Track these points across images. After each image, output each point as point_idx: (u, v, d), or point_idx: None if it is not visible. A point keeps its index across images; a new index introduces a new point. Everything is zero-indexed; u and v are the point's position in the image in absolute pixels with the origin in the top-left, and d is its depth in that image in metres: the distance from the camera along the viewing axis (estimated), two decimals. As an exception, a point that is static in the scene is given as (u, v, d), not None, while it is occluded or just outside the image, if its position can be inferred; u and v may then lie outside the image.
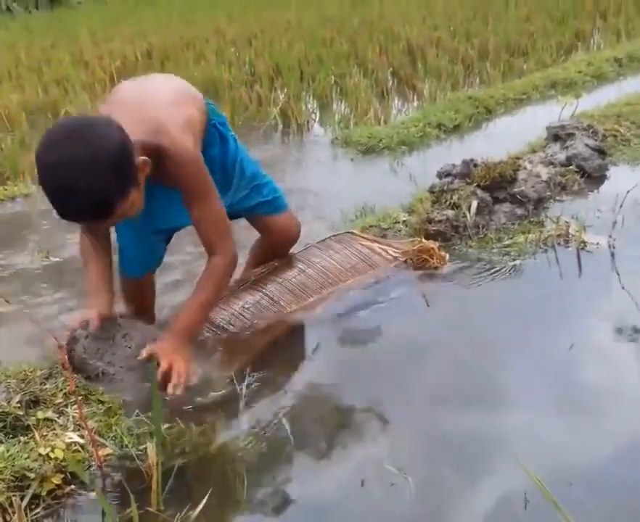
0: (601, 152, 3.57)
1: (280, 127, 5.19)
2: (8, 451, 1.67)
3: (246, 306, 2.36)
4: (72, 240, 3.37)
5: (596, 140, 3.64)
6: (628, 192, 2.86)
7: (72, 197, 1.70)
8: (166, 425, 1.81)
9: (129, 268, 2.39)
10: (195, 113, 2.09)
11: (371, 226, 3.03)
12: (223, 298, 2.31)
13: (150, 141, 1.89)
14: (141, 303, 2.44)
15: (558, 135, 3.72)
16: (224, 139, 2.30)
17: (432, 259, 2.64)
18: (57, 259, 3.19)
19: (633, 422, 1.85)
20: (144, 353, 1.97)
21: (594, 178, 3.45)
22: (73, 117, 1.69)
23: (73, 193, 1.69)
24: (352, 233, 2.81)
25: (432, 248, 2.66)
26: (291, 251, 2.64)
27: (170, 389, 1.92)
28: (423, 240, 2.71)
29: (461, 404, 1.94)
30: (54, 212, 1.76)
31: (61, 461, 1.67)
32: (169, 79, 2.26)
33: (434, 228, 2.82)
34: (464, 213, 2.88)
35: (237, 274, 2.61)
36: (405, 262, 2.67)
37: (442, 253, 2.68)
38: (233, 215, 2.45)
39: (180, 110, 2.03)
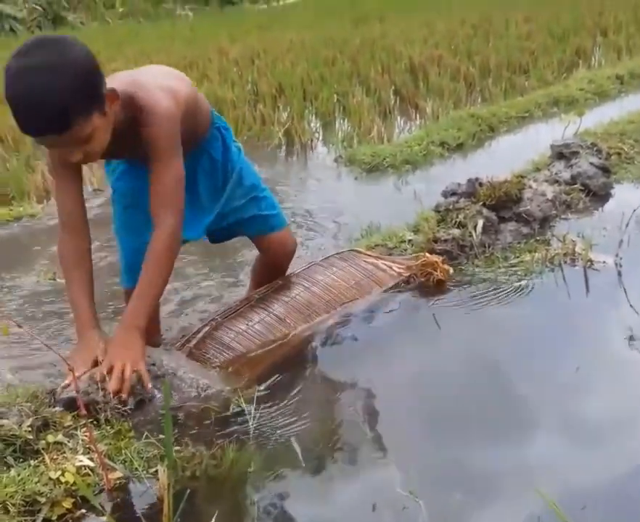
0: (606, 170, 3.58)
1: (284, 146, 5.21)
2: (19, 475, 1.66)
3: (250, 323, 2.36)
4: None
5: (600, 158, 3.65)
6: (634, 211, 2.86)
7: (33, 100, 1.68)
8: (176, 448, 1.81)
9: (129, 277, 2.26)
10: (181, 86, 2.11)
11: (376, 245, 3.03)
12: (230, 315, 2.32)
13: (126, 90, 1.92)
14: None
15: (562, 153, 3.73)
16: (226, 144, 2.34)
17: (436, 272, 2.64)
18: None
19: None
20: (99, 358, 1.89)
21: (599, 196, 3.46)
22: (44, 35, 1.76)
23: (35, 96, 1.68)
24: (356, 250, 2.82)
25: (436, 261, 2.66)
26: (294, 270, 2.64)
27: (103, 394, 1.83)
28: (427, 254, 2.71)
29: (472, 427, 1.93)
30: (18, 127, 1.75)
31: (71, 485, 1.66)
32: (160, 65, 2.35)
33: (440, 247, 2.82)
34: (470, 232, 2.89)
35: (243, 293, 2.63)
36: (410, 277, 2.67)
37: (446, 266, 2.68)
38: (230, 231, 2.45)
39: (163, 78, 2.09)
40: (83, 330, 2.01)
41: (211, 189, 2.33)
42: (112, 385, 1.86)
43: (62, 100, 1.70)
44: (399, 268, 2.72)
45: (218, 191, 2.33)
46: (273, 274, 2.59)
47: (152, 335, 2.39)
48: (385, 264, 2.73)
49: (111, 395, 1.86)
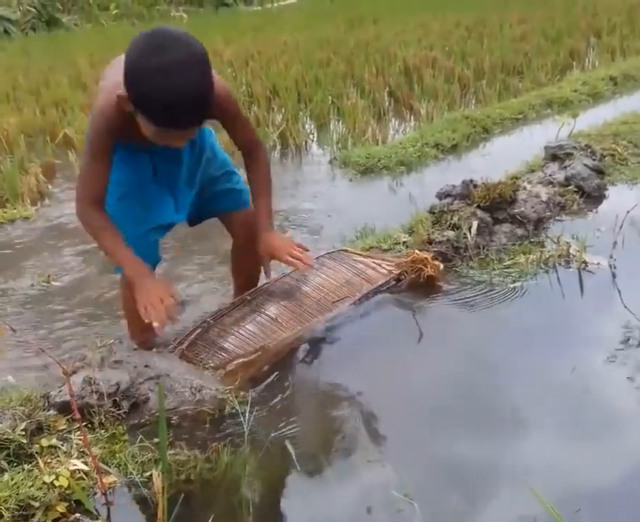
0: (600, 172, 3.59)
1: (278, 147, 5.21)
2: (12, 479, 1.66)
3: (242, 324, 2.36)
4: (73, 263, 3.39)
5: (594, 160, 3.66)
6: (627, 212, 2.86)
7: (189, 94, 1.79)
8: (171, 452, 1.81)
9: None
10: None
11: (371, 247, 3.03)
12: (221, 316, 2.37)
13: None
14: None
15: (556, 155, 3.74)
16: None
17: (427, 268, 2.64)
18: (59, 283, 3.18)
19: (637, 442, 1.85)
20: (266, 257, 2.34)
21: (593, 198, 3.47)
22: (156, 29, 1.88)
23: (191, 91, 1.79)
24: (345, 250, 2.83)
25: (426, 258, 2.66)
26: (285, 271, 2.63)
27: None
28: (416, 250, 2.71)
29: (467, 427, 1.94)
30: (157, 122, 1.86)
31: (65, 489, 1.66)
32: None
33: (434, 249, 2.82)
34: (464, 234, 2.89)
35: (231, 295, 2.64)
36: (400, 274, 2.67)
37: (437, 262, 2.68)
38: (206, 209, 2.47)
39: None
40: (142, 271, 2.12)
41: (191, 168, 2.35)
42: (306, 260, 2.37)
43: (208, 93, 1.86)
44: (389, 266, 2.72)
45: (196, 170, 2.36)
46: (249, 258, 2.53)
47: (145, 331, 2.40)
48: (375, 262, 2.73)
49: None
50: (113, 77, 2.00)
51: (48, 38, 12.64)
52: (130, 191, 2.26)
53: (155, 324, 2.01)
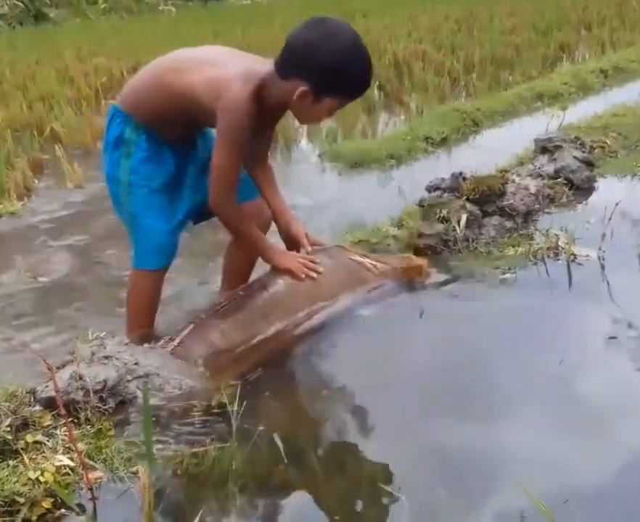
0: (589, 164, 3.59)
1: (267, 141, 5.18)
2: (-3, 475, 1.64)
3: (235, 321, 2.34)
4: (60, 259, 3.36)
5: (583, 152, 3.66)
6: (616, 204, 2.86)
7: (369, 62, 2.14)
8: (158, 447, 1.79)
9: (160, 258, 2.39)
10: None
11: (360, 241, 3.02)
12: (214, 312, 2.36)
13: None
14: (154, 302, 2.47)
15: (546, 147, 3.73)
16: None
17: (420, 276, 2.64)
18: (45, 279, 3.14)
19: (625, 435, 1.85)
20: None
21: (582, 190, 3.47)
22: (318, 19, 2.16)
23: (369, 59, 2.14)
24: (340, 246, 2.79)
25: (421, 265, 2.65)
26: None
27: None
28: (412, 256, 2.70)
29: (454, 421, 1.93)
30: (352, 93, 2.18)
31: (51, 484, 1.64)
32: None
33: (424, 242, 2.81)
34: (453, 227, 2.88)
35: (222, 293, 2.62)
36: (394, 276, 2.66)
37: (430, 270, 2.68)
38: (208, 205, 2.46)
39: None
40: (278, 248, 2.47)
41: (200, 166, 2.40)
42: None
43: None
44: (384, 267, 2.69)
45: (204, 168, 2.37)
46: (248, 251, 2.56)
47: (153, 315, 2.47)
48: (370, 263, 2.70)
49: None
50: (230, 69, 2.14)
51: (35, 32, 12.57)
52: (160, 187, 2.32)
53: (302, 276, 2.38)
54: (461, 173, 3.12)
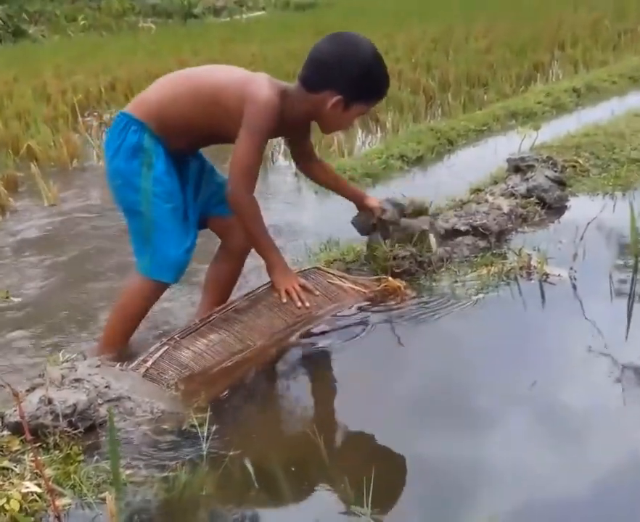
0: (561, 183, 3.63)
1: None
2: (-38, 503, 1.61)
3: (210, 343, 2.33)
4: (34, 278, 3.33)
5: (555, 171, 3.70)
6: (588, 224, 2.90)
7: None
8: (127, 472, 1.78)
9: (176, 274, 2.45)
10: None
11: (335, 260, 3.02)
12: (189, 334, 2.35)
13: None
14: (146, 313, 2.52)
15: (518, 166, 3.77)
16: None
17: (398, 298, 2.65)
18: (18, 299, 3.11)
19: (600, 449, 1.87)
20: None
21: (555, 209, 3.51)
22: (340, 35, 2.41)
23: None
24: (318, 268, 2.79)
25: (399, 287, 2.66)
26: (254, 286, 2.62)
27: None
28: (389, 278, 2.71)
29: (434, 440, 1.94)
30: (379, 96, 2.44)
31: (15, 514, 1.61)
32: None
33: (397, 265, 2.80)
34: (426, 248, 2.87)
35: (200, 311, 2.61)
36: (371, 298, 2.67)
37: (408, 291, 2.69)
38: (204, 210, 2.53)
39: None
40: (284, 261, 2.54)
41: (197, 178, 2.52)
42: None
43: None
44: (361, 289, 2.70)
45: (200, 179, 2.53)
46: (234, 267, 2.63)
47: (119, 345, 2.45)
48: (348, 286, 2.69)
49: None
50: (257, 75, 2.34)
51: (13, 49, 12.50)
52: (179, 204, 2.39)
53: (284, 300, 2.45)
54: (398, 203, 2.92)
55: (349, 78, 2.28)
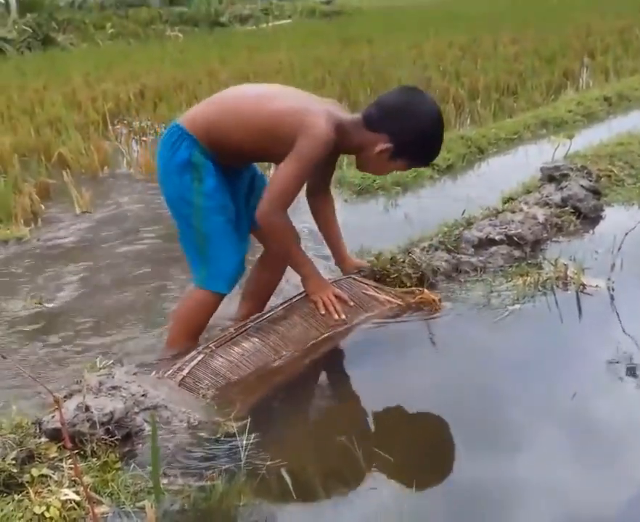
0: (596, 193, 3.59)
1: (273, 169, 5.19)
2: (2, 510, 1.61)
3: (245, 353, 2.33)
4: (67, 284, 3.35)
5: (590, 180, 3.65)
6: (626, 234, 2.84)
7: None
8: (164, 480, 1.77)
9: (231, 284, 2.50)
10: None
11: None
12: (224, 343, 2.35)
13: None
14: (207, 322, 2.55)
15: (552, 176, 3.73)
16: None
17: (433, 310, 2.63)
18: (51, 305, 3.13)
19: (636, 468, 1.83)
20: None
21: (590, 219, 3.46)
22: (416, 88, 2.45)
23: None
24: (353, 278, 2.76)
25: (434, 300, 2.64)
26: (288, 297, 2.61)
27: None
28: (425, 290, 2.68)
29: (467, 453, 1.91)
30: (427, 161, 2.52)
31: (56, 520, 1.61)
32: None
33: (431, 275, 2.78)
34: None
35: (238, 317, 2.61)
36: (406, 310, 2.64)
37: (444, 304, 2.66)
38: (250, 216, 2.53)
39: None
40: (320, 274, 2.56)
41: (247, 191, 2.56)
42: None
43: None
44: (396, 300, 2.67)
45: (250, 191, 2.57)
46: (274, 277, 2.71)
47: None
48: (383, 297, 2.67)
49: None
50: (315, 105, 2.32)
51: (43, 57, 12.66)
52: (231, 216, 2.43)
53: (322, 311, 2.45)
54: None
55: (407, 133, 2.29)
